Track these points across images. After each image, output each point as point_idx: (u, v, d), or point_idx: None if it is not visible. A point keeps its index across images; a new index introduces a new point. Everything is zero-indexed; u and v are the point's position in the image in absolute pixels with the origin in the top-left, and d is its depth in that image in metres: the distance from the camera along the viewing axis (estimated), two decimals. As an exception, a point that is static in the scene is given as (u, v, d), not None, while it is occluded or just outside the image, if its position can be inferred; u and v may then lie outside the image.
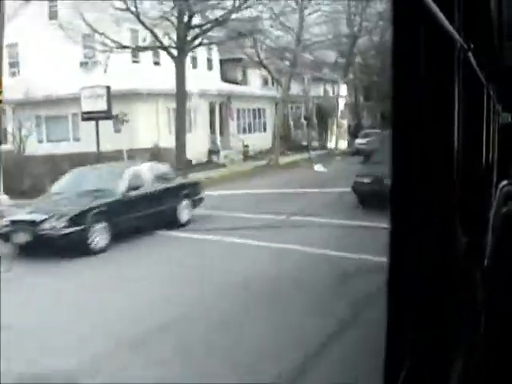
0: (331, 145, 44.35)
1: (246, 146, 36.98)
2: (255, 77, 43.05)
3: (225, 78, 39.13)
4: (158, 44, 26.27)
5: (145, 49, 27.39)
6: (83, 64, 29.91)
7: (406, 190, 1.96)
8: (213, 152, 33.72)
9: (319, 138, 48.12)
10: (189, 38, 26.24)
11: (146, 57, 29.96)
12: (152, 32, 25.12)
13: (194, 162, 29.14)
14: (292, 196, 19.83)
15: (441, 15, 2.07)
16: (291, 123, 44.66)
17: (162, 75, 28.66)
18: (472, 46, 3.17)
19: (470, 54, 3.19)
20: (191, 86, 29.08)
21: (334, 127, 47.28)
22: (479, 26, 3.63)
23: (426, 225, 2.39)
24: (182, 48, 25.96)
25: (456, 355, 2.21)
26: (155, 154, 26.53)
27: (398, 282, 1.88)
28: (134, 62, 30.15)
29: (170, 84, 26.84)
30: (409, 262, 2.05)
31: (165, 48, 26.09)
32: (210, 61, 37.65)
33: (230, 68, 39.99)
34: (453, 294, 2.89)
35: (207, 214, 17.09)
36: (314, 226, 15.01)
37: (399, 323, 1.92)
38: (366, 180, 18.25)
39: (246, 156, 35.95)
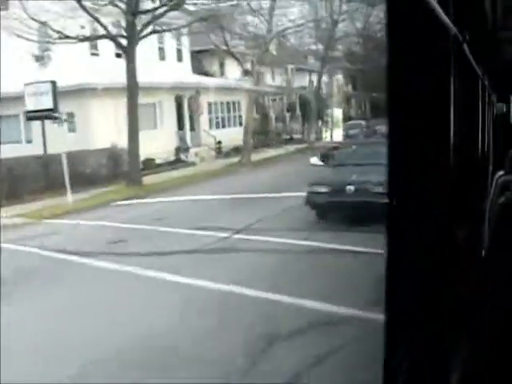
0: (325, 136, 43.10)
1: (219, 143, 34.96)
2: (234, 68, 41.26)
3: (199, 70, 37.48)
4: (105, 33, 23.88)
5: (87, 39, 25.58)
6: (39, 58, 27.90)
7: (404, 181, 1.97)
8: (181, 149, 31.56)
9: (305, 130, 46.27)
10: (139, 26, 23.96)
11: (107, 49, 27.98)
12: (97, 20, 23.48)
13: (160, 161, 27.78)
14: (249, 202, 17.51)
15: (436, 6, 2.07)
16: (272, 116, 42.98)
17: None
18: (467, 37, 3.16)
19: (465, 45, 3.19)
20: (156, 78, 27.57)
21: (328, 118, 46.17)
22: (474, 17, 3.64)
23: (424, 217, 2.39)
24: (132, 36, 23.66)
25: (456, 352, 2.21)
26: (112, 155, 24.94)
27: (396, 276, 1.88)
28: (93, 54, 28.43)
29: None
30: (407, 254, 2.05)
31: (112, 37, 24.17)
32: (179, 51, 35.85)
33: (204, 59, 37.44)
34: (452, 288, 2.89)
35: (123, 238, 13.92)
36: (259, 252, 11.80)
37: (398, 319, 1.91)
38: (323, 189, 15.00)
39: (220, 153, 34.22)
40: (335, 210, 14.27)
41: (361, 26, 43.40)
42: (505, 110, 9.24)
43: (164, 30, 28.35)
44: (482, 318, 2.26)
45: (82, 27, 25.13)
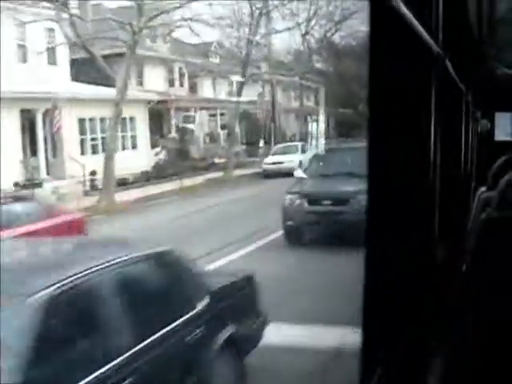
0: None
1: (93, 173, 27.45)
2: (157, 76, 36.98)
3: (82, 78, 31.11)
4: None
5: None
6: None
7: (384, 198, 1.97)
8: (28, 185, 24.66)
9: (250, 151, 41.82)
10: None
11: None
12: None
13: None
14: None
15: (417, 25, 2.11)
16: (198, 136, 38.38)
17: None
18: (450, 53, 3.19)
19: (447, 61, 3.22)
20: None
21: (272, 138, 42.48)
22: (458, 33, 3.68)
23: (404, 231, 2.41)
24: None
25: (436, 354, 2.23)
26: None
27: (375, 281, 1.90)
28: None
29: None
30: (387, 262, 2.07)
31: None
32: (53, 53, 29.66)
33: (115, 65, 30.19)
34: (432, 291, 2.93)
35: None
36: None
37: (375, 319, 1.93)
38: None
39: (94, 188, 26.85)
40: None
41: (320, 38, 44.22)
42: (489, 126, 9.26)
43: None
44: (463, 325, 2.28)
45: None
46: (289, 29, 41.64)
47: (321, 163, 17.06)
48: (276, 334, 7.71)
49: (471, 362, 2.24)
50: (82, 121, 29.28)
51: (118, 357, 4.97)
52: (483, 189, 5.72)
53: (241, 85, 36.90)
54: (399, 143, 2.54)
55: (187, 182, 28.75)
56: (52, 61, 29.55)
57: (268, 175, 34.11)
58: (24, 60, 27.72)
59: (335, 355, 7.46)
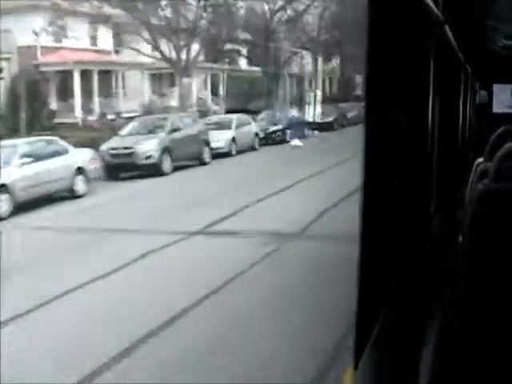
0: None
1: None
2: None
3: None
4: None
5: None
6: None
7: (381, 166, 1.93)
8: None
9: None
10: None
11: None
12: None
13: None
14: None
15: None
16: None
17: None
18: (450, 20, 3.13)
19: (446, 26, 3.15)
20: None
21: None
22: (458, 4, 3.60)
23: (401, 199, 2.37)
24: None
25: (434, 312, 2.22)
26: None
27: (370, 250, 1.86)
28: None
29: None
30: (382, 239, 2.03)
31: None
32: None
33: None
34: (428, 262, 2.91)
35: None
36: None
37: (370, 291, 1.90)
38: None
39: None
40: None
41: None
42: (487, 98, 9.20)
43: None
44: (457, 297, 2.25)
45: None
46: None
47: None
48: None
49: (464, 334, 2.22)
50: None
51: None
52: (480, 160, 5.68)
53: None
54: (397, 112, 2.49)
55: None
56: None
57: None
58: None
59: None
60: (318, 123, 40.41)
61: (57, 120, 32.66)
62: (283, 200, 17.24)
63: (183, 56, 36.52)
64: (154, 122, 27.03)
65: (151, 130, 25.32)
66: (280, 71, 47.13)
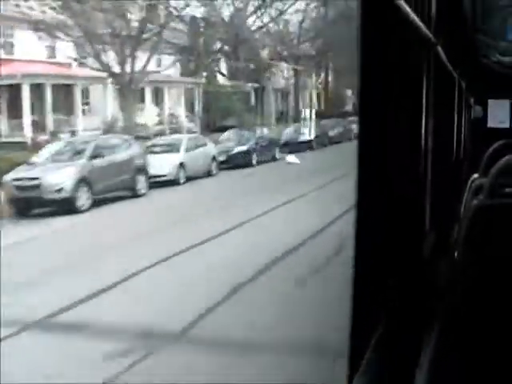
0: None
1: None
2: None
3: None
4: None
5: None
6: None
7: (374, 182, 1.94)
8: None
9: None
10: None
11: None
12: None
13: None
14: None
15: (410, 12, 2.07)
16: None
17: None
18: (443, 40, 3.16)
19: (438, 47, 3.18)
20: None
21: None
22: (453, 20, 3.64)
23: (395, 219, 2.37)
24: None
25: (434, 314, 2.23)
26: None
27: (364, 267, 1.88)
28: None
29: None
30: (375, 257, 2.04)
31: None
32: None
33: None
34: (423, 279, 2.92)
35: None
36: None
37: (364, 309, 1.91)
38: None
39: None
40: None
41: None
42: (482, 113, 9.25)
43: None
44: (454, 313, 2.27)
45: None
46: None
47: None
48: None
49: (464, 335, 2.23)
50: None
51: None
52: (475, 176, 5.69)
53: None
54: (390, 129, 2.50)
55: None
56: None
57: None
58: None
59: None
60: (295, 143, 36.37)
61: (3, 139, 29.92)
62: (215, 252, 13.53)
63: (128, 67, 32.93)
64: (76, 145, 22.74)
65: (71, 156, 21.26)
66: (263, 85, 45.58)
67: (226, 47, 42.39)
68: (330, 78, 53.51)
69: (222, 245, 14.14)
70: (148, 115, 37.27)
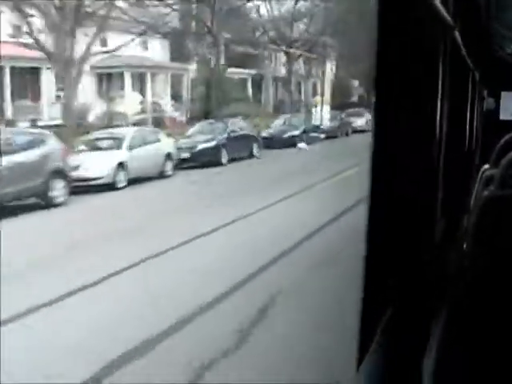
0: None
1: None
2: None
3: None
4: None
5: None
6: None
7: (388, 171, 1.93)
8: None
9: None
10: None
11: None
12: None
13: None
14: None
15: None
16: None
17: None
18: (460, 24, 3.14)
19: (456, 32, 3.15)
20: None
21: None
22: (468, 11, 3.62)
23: (406, 208, 2.37)
24: None
25: (438, 308, 2.24)
26: None
27: (375, 255, 1.88)
28: None
29: None
30: (387, 245, 2.04)
31: None
32: None
33: None
34: (433, 268, 2.93)
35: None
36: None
37: (374, 296, 1.92)
38: None
39: None
40: None
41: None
42: (495, 105, 9.22)
43: None
44: (461, 303, 2.27)
45: None
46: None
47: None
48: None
49: (468, 327, 2.23)
50: None
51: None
52: (486, 166, 5.67)
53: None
54: (404, 117, 2.49)
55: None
56: None
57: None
58: None
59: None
60: (280, 138, 32.08)
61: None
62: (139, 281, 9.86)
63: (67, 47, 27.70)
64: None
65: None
66: (262, 72, 43.61)
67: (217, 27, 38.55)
68: (334, 67, 52.40)
69: (117, 289, 9.91)
70: (128, 103, 34.08)
